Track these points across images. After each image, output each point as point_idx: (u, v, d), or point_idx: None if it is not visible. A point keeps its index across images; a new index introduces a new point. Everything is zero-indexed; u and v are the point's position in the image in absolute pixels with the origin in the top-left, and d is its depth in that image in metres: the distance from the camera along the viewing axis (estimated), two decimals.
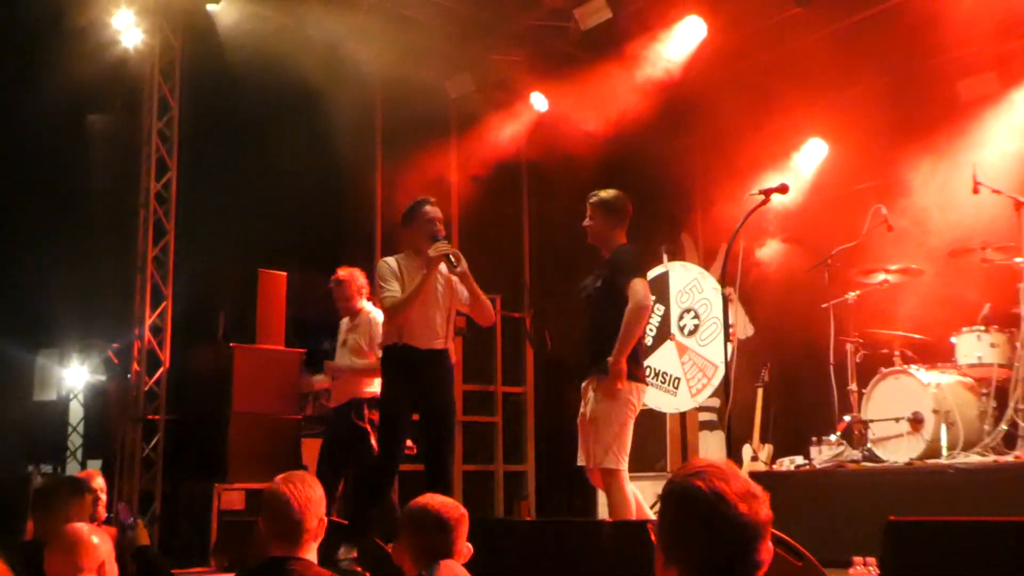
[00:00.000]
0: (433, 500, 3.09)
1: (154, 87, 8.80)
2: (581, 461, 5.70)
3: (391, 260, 6.17)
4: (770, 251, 8.93)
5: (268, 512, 3.26)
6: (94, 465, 9.31)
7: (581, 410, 5.71)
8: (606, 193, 5.84)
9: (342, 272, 7.13)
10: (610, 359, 5.37)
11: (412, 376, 5.98)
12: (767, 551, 1.91)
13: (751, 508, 1.90)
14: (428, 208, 6.06)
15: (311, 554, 3.25)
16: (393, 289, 6.01)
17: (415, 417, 6.12)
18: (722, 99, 8.80)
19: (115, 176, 9.33)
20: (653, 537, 2.00)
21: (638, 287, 5.46)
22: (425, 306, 5.99)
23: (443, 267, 6.00)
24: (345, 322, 7.28)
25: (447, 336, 6.07)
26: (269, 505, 3.26)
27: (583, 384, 5.69)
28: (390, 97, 9.85)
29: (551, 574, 4.12)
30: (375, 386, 6.68)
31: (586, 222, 5.82)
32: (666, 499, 1.98)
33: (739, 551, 1.89)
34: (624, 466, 5.47)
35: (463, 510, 3.10)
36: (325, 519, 3.29)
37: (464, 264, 5.96)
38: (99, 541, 3.37)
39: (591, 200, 5.83)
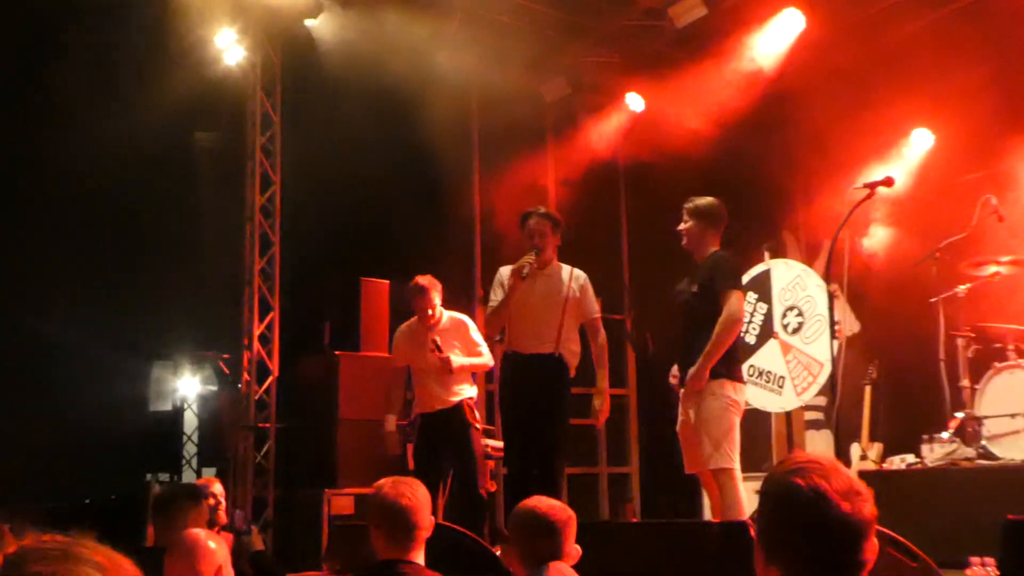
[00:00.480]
0: (540, 503, 3.11)
1: (256, 103, 9.02)
2: (690, 469, 5.77)
3: (504, 269, 6.36)
4: (876, 245, 8.75)
5: (380, 516, 3.28)
6: (208, 473, 9.58)
7: (681, 417, 5.75)
8: (702, 200, 5.89)
9: (425, 280, 6.96)
10: (691, 370, 5.48)
11: (518, 380, 6.16)
12: (871, 550, 1.86)
13: (854, 506, 1.84)
14: (530, 221, 6.24)
15: (420, 557, 3.29)
16: (494, 299, 6.27)
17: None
18: (822, 93, 8.65)
19: (222, 191, 9.59)
20: (753, 533, 1.98)
21: (734, 299, 5.54)
22: (526, 313, 6.15)
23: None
24: (413, 324, 7.02)
25: (558, 341, 6.15)
26: (381, 509, 3.28)
27: (683, 390, 5.71)
28: (486, 103, 9.93)
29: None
30: (473, 390, 6.84)
31: (681, 227, 5.88)
32: (765, 496, 1.94)
33: (841, 550, 1.83)
34: (737, 465, 5.51)
35: (571, 512, 3.11)
36: (433, 520, 3.32)
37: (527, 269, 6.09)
38: (216, 546, 3.46)
39: (687, 206, 5.89)
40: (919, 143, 9.09)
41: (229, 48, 8.88)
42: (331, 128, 8.87)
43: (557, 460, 6.21)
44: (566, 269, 6.37)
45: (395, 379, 6.94)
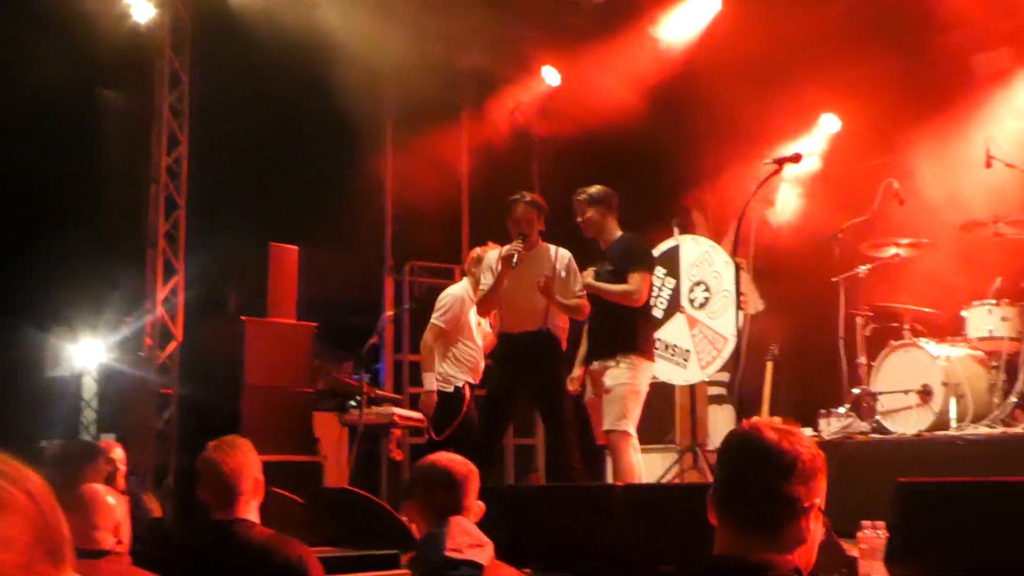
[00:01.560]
0: (441, 457, 3.12)
1: (165, 61, 8.80)
2: (603, 439, 6.14)
3: (492, 254, 6.56)
4: (783, 224, 8.93)
5: (203, 480, 3.39)
6: (108, 439, 9.36)
7: (590, 390, 6.20)
8: (593, 188, 6.24)
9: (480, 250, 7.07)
10: (589, 282, 6.02)
11: (511, 359, 6.43)
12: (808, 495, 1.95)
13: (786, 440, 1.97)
14: (516, 209, 6.41)
15: (252, 514, 3.38)
16: (484, 283, 6.50)
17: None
18: (734, 74, 8.77)
19: (126, 151, 9.34)
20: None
21: (639, 279, 5.99)
22: (515, 296, 6.36)
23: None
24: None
25: (545, 319, 6.34)
26: (202, 473, 3.40)
27: (594, 365, 6.12)
28: (400, 72, 9.82)
29: (562, 539, 4.15)
30: None
31: (581, 219, 6.22)
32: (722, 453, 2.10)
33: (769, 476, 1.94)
34: (634, 432, 5.90)
35: (472, 467, 3.12)
36: (261, 478, 3.41)
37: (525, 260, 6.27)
38: (115, 503, 3.40)
39: (580, 198, 6.23)
40: (826, 127, 9.31)
41: (138, 4, 8.64)
42: (243, 90, 8.70)
43: (568, 444, 6.36)
44: (551, 249, 6.52)
45: None
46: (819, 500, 1.96)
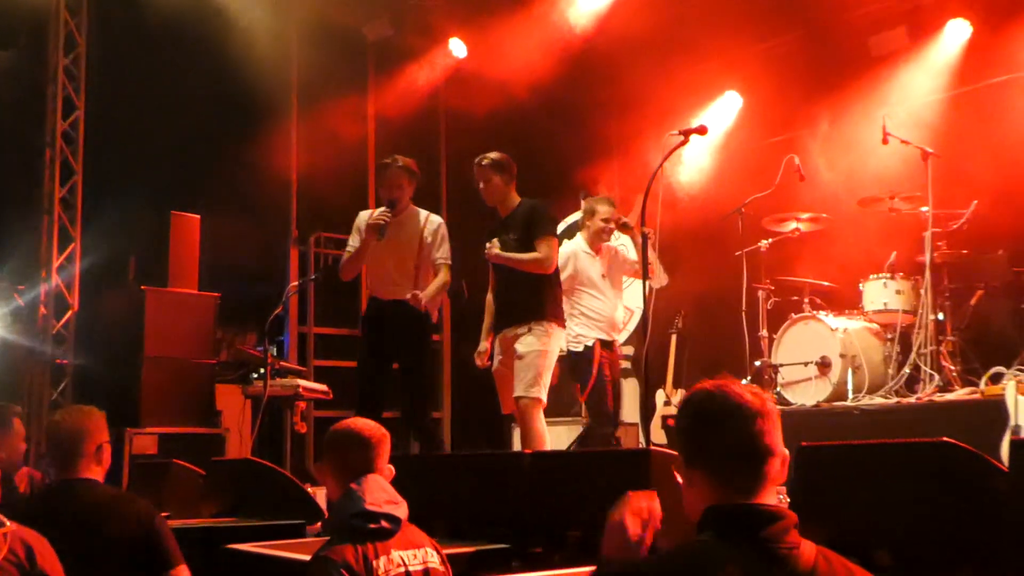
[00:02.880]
0: (356, 422, 3.11)
1: (60, 22, 8.52)
2: (507, 409, 6.19)
3: (363, 214, 6.45)
4: (687, 198, 9.06)
5: (46, 442, 3.76)
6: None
7: (499, 358, 6.13)
8: (494, 154, 6.12)
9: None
10: (497, 253, 5.92)
11: (378, 324, 6.29)
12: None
13: (758, 397, 2.10)
14: (387, 173, 6.29)
15: (96, 476, 3.57)
16: (351, 244, 6.37)
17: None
18: (640, 50, 8.83)
19: (19, 115, 9.01)
20: (676, 475, 2.16)
21: (547, 245, 5.96)
22: (383, 259, 6.25)
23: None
24: None
25: (415, 286, 6.21)
26: (46, 436, 3.73)
27: (505, 333, 6.06)
28: (306, 39, 9.67)
29: (470, 508, 4.16)
30: None
31: (483, 186, 6.12)
32: (683, 409, 2.18)
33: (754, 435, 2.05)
34: (545, 399, 5.89)
35: (385, 431, 3.12)
36: (107, 447, 3.61)
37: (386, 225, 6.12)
38: None
39: (483, 163, 6.10)
40: (729, 105, 9.45)
41: None
42: (141, 54, 8.46)
43: (425, 404, 6.38)
44: (422, 214, 6.41)
45: None
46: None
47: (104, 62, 8.63)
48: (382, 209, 6.16)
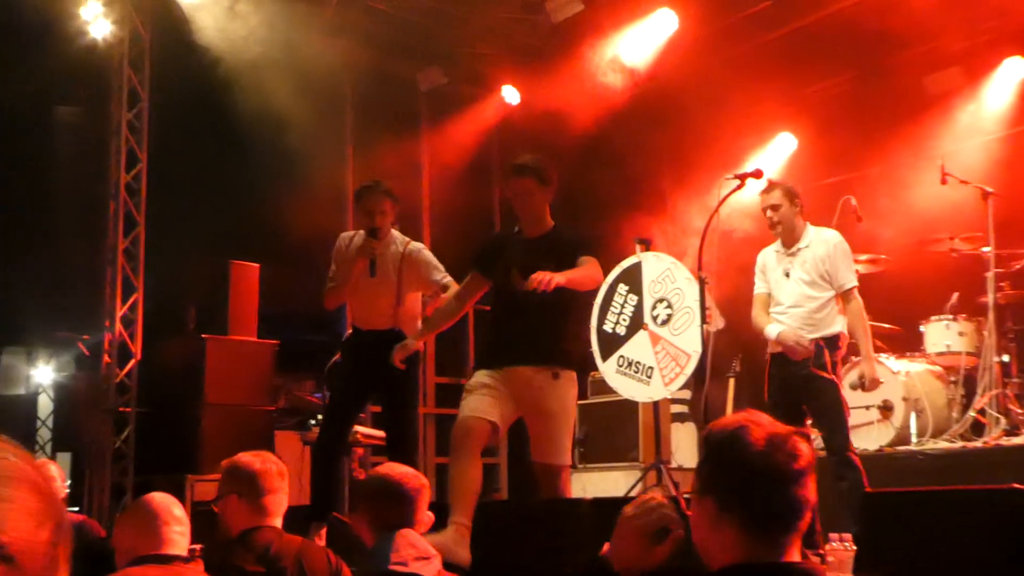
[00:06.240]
0: (393, 470, 3.05)
1: (123, 78, 8.72)
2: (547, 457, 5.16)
3: (344, 236, 6.14)
4: (742, 242, 9.00)
5: (234, 483, 3.43)
6: (63, 458, 9.21)
7: (486, 390, 5.10)
8: (534, 162, 5.16)
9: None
10: (546, 276, 4.74)
11: (358, 358, 5.94)
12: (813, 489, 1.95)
13: (808, 448, 1.96)
14: (369, 199, 5.85)
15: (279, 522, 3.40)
16: (333, 272, 6.02)
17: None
18: (693, 93, 8.87)
19: (84, 168, 9.24)
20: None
21: (597, 265, 5.12)
22: (362, 287, 5.86)
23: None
24: None
25: (395, 315, 5.88)
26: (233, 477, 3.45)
27: (505, 369, 5.11)
28: (361, 89, 9.84)
29: (529, 553, 4.15)
30: None
31: (520, 191, 5.15)
32: (715, 449, 2.00)
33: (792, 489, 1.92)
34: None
35: (424, 480, 3.07)
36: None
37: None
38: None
39: (529, 165, 5.11)
40: (783, 147, 9.43)
41: (96, 20, 8.56)
42: (202, 108, 8.65)
43: (410, 433, 5.93)
44: (400, 240, 6.01)
45: None
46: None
47: (165, 116, 8.82)
48: (365, 237, 5.81)
